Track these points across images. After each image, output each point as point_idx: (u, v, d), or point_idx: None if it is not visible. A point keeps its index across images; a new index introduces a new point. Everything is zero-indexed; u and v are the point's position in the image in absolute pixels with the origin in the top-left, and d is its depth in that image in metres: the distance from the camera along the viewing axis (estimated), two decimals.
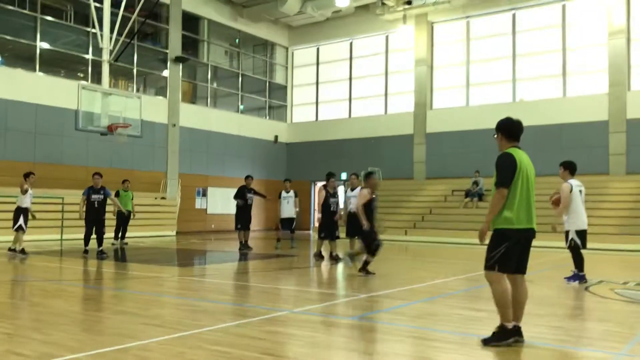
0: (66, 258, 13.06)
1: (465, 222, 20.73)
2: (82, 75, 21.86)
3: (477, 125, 23.74)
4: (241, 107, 28.79)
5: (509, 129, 5.29)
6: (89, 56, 21.54)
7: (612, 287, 8.96)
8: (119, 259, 13.53)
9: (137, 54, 23.31)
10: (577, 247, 9.27)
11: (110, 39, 16.74)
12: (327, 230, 12.91)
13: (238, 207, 15.49)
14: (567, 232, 9.36)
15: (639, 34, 22.21)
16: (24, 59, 20.24)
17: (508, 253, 5.04)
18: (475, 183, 22.45)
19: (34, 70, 20.15)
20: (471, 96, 25.60)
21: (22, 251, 13.59)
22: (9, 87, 19.20)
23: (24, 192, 13.56)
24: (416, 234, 21.37)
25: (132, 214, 17.14)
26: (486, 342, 5.02)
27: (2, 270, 10.72)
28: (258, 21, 28.21)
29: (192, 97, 26.85)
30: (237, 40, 28.51)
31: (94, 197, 12.98)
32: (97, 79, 19.77)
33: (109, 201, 13.44)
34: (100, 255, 12.72)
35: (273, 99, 30.35)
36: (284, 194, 15.85)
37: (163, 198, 23.49)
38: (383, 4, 25.82)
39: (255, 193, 15.90)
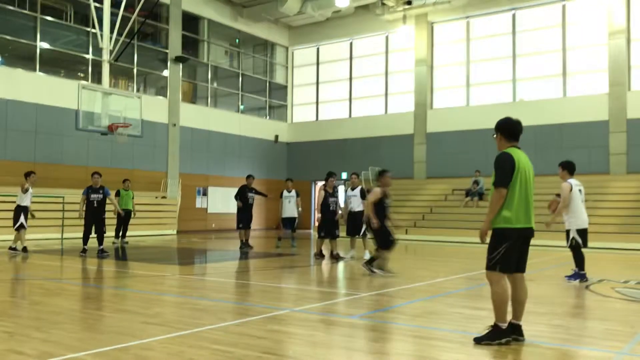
0: (67, 257, 13.05)
1: (466, 221, 20.74)
2: (82, 75, 21.87)
3: (478, 125, 23.74)
4: (241, 107, 28.79)
5: (508, 128, 5.30)
6: (89, 56, 21.55)
7: (612, 286, 8.96)
8: (119, 258, 13.55)
9: (137, 53, 23.31)
10: (578, 246, 9.28)
11: (110, 38, 16.76)
12: (327, 230, 12.92)
13: (239, 206, 15.55)
14: (568, 231, 9.37)
15: (639, 33, 22.21)
16: (24, 59, 20.25)
17: (508, 253, 5.05)
18: (476, 182, 22.45)
19: (34, 70, 20.16)
20: (471, 96, 25.60)
21: (24, 249, 13.60)
22: (9, 87, 19.21)
23: (25, 191, 13.60)
24: (417, 233, 21.39)
25: (132, 213, 17.16)
26: (478, 341, 5.03)
27: (3, 269, 10.72)
28: (258, 21, 28.22)
29: (193, 97, 26.86)
30: (237, 40, 28.51)
31: (93, 196, 12.98)
32: (97, 78, 19.78)
33: (108, 200, 13.44)
34: (101, 254, 12.72)
35: (273, 98, 30.36)
36: (285, 193, 15.86)
37: (164, 197, 23.51)
38: (383, 4, 25.83)
39: (257, 192, 15.97)
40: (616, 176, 21.73)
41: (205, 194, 25.98)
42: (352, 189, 13.31)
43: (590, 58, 23.03)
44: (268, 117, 30.11)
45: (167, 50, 24.47)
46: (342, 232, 13.36)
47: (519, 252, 5.15)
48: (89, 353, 4.56)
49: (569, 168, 9.39)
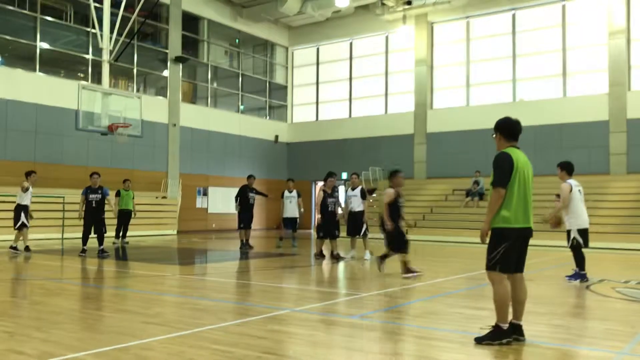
0: (67, 257, 13.05)
1: (466, 222, 20.74)
2: (82, 75, 21.87)
3: (478, 125, 23.73)
4: (241, 107, 28.80)
5: (508, 128, 5.30)
6: (89, 56, 21.56)
7: (613, 286, 8.96)
8: (119, 258, 13.54)
9: (137, 54, 23.32)
10: (579, 246, 9.28)
11: (110, 39, 16.75)
12: (325, 230, 12.92)
13: (239, 206, 15.56)
14: (568, 232, 9.38)
15: (639, 33, 22.21)
16: (24, 59, 20.25)
17: (508, 253, 5.06)
18: (476, 182, 22.45)
19: (34, 70, 20.16)
20: (471, 96, 25.60)
21: (27, 249, 13.59)
22: (9, 87, 19.21)
23: (25, 190, 13.59)
24: (417, 233, 21.31)
25: (133, 213, 17.16)
26: (479, 341, 5.03)
27: (3, 269, 10.72)
28: (258, 21, 28.22)
29: (193, 97, 26.87)
30: (237, 41, 28.51)
31: (92, 196, 12.97)
32: (97, 79, 19.78)
33: (107, 200, 13.43)
34: (101, 254, 12.72)
35: (273, 99, 30.36)
36: (286, 193, 15.86)
37: (164, 197, 23.51)
38: (383, 4, 25.83)
39: (257, 192, 15.98)
40: (616, 176, 21.73)
41: (205, 194, 25.99)
42: (353, 189, 13.29)
43: (590, 58, 23.04)
44: (268, 117, 30.11)
45: (167, 51, 24.47)
46: (342, 232, 13.34)
47: (518, 251, 5.15)
48: (89, 353, 4.56)
49: (567, 169, 9.40)
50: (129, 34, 17.72)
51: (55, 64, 21.30)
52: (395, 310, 6.95)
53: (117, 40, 16.89)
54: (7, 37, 19.61)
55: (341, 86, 29.34)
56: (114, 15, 16.84)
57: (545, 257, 13.82)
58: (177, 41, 24.71)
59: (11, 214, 13.83)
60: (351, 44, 29.04)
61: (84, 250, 12.95)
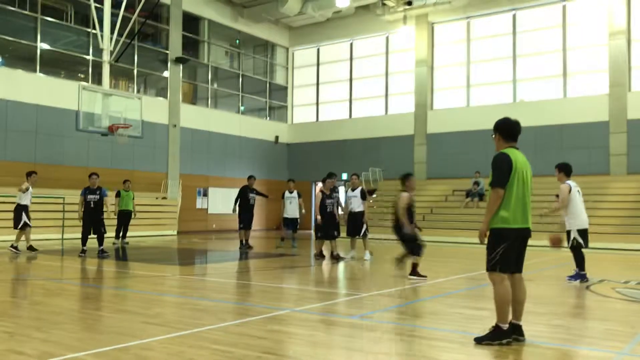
0: (67, 257, 13.06)
1: (466, 222, 20.73)
2: (82, 76, 21.88)
3: (478, 126, 23.72)
4: (242, 107, 28.81)
5: (507, 129, 5.31)
6: (90, 57, 21.57)
7: (613, 286, 8.96)
8: (119, 258, 13.54)
9: (138, 54, 23.32)
10: (579, 246, 9.29)
11: (111, 39, 16.75)
12: (324, 231, 12.93)
13: (240, 207, 15.57)
14: (568, 232, 9.38)
15: (639, 34, 22.21)
16: (24, 59, 20.25)
17: (507, 253, 5.07)
18: (476, 183, 22.45)
19: (35, 71, 20.17)
20: (472, 97, 25.60)
21: (31, 248, 13.58)
22: (10, 87, 19.22)
23: (25, 190, 13.56)
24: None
25: (133, 214, 17.16)
26: (479, 341, 5.03)
27: (4, 270, 10.72)
28: (258, 22, 28.24)
29: (193, 97, 26.87)
30: (237, 41, 28.52)
31: (90, 197, 12.97)
32: (97, 79, 19.77)
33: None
34: (101, 254, 12.72)
35: (273, 99, 30.37)
36: (287, 194, 15.87)
37: (164, 198, 23.52)
38: (383, 4, 25.84)
39: (258, 193, 15.99)
40: (616, 177, 21.73)
41: (205, 194, 25.99)
42: (353, 190, 13.29)
43: (590, 58, 23.03)
44: (268, 118, 30.12)
45: (167, 51, 24.48)
46: (342, 232, 13.34)
47: (517, 252, 5.16)
48: (89, 353, 4.56)
49: (565, 170, 9.43)
50: (130, 34, 17.72)
51: (55, 65, 21.31)
52: (395, 311, 6.95)
53: (117, 41, 16.90)
54: (8, 38, 19.61)
55: (341, 87, 29.35)
56: (114, 15, 16.85)
57: (545, 257, 13.82)
58: (177, 42, 24.72)
59: (11, 215, 13.83)
60: (351, 44, 29.05)
61: (83, 251, 12.95)
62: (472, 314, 6.62)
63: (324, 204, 12.88)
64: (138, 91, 23.29)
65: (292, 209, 15.82)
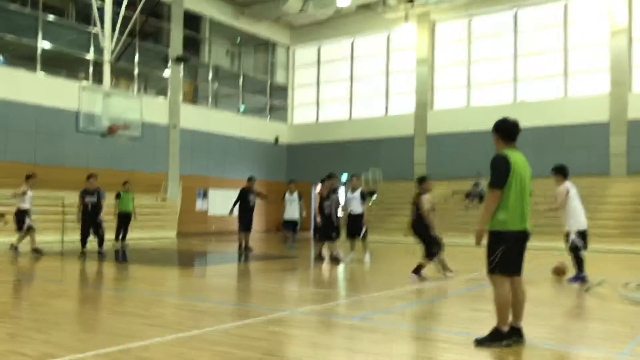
0: (67, 258, 13.06)
1: (466, 223, 20.68)
2: (83, 75, 21.87)
3: (478, 127, 23.67)
4: (242, 108, 28.80)
5: (506, 129, 5.32)
6: (90, 56, 21.56)
7: (613, 288, 8.95)
8: (119, 260, 13.53)
9: (139, 53, 23.31)
10: (577, 248, 9.29)
11: (112, 38, 16.73)
12: (321, 232, 12.93)
13: (240, 208, 15.50)
14: (567, 234, 9.38)
15: None
16: (25, 59, 20.24)
17: (506, 255, 5.08)
18: (476, 184, 22.43)
19: (35, 70, 20.17)
20: (472, 97, 25.60)
21: (36, 250, 13.53)
22: (10, 87, 19.20)
23: (22, 193, 13.42)
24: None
25: (133, 215, 17.12)
26: (479, 343, 5.04)
27: (4, 270, 10.73)
28: (259, 20, 28.23)
29: (193, 97, 26.87)
30: (238, 39, 28.51)
31: (87, 199, 12.95)
32: (98, 79, 19.74)
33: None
34: (101, 256, 12.72)
35: (274, 99, 30.37)
36: (287, 195, 15.82)
37: (164, 199, 23.50)
38: (385, 2, 25.82)
39: (258, 194, 15.89)
40: (616, 178, 21.70)
41: (205, 196, 25.97)
42: (353, 191, 13.26)
43: (591, 58, 23.02)
44: (268, 119, 30.11)
45: (168, 50, 24.47)
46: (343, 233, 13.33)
47: (516, 254, 5.16)
48: (90, 354, 4.56)
49: (562, 172, 9.44)
50: (131, 33, 17.69)
51: (56, 64, 21.28)
52: (395, 312, 6.95)
53: (118, 40, 16.87)
54: (9, 37, 19.58)
55: (342, 86, 29.35)
56: (115, 14, 16.81)
57: (545, 259, 13.81)
58: (178, 40, 24.72)
59: (11, 216, 13.80)
60: (352, 43, 29.05)
61: (83, 253, 12.94)
62: (473, 315, 6.63)
63: (322, 206, 12.86)
64: (138, 91, 23.27)
65: (291, 210, 15.77)
